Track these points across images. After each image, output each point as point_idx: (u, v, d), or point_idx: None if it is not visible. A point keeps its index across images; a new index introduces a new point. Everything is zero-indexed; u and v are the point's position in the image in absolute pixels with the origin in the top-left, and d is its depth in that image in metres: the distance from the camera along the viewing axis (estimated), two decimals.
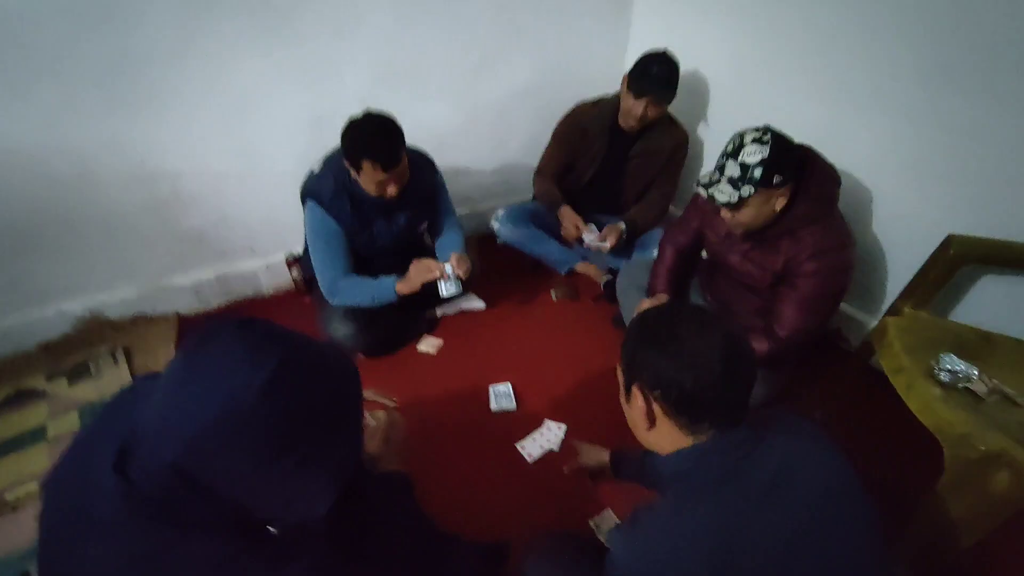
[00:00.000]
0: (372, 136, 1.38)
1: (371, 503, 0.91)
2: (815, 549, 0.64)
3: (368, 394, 1.09)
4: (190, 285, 1.87)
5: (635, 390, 0.77)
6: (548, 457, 1.43)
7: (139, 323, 1.82)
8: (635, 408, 0.77)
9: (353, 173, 1.46)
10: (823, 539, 0.65)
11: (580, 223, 1.90)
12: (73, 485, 0.61)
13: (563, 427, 1.49)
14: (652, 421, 0.76)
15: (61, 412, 1.50)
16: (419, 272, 1.58)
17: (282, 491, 0.56)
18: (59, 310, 1.71)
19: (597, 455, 1.32)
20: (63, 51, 1.36)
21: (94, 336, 1.74)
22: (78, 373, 1.62)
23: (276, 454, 0.53)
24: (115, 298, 1.78)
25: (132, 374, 1.64)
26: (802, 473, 0.70)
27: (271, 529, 0.62)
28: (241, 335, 0.56)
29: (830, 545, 0.66)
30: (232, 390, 0.52)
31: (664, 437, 0.76)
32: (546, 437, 1.47)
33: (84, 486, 0.59)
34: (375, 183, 1.43)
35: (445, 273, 1.59)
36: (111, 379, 1.61)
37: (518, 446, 1.45)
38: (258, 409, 0.52)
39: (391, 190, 1.46)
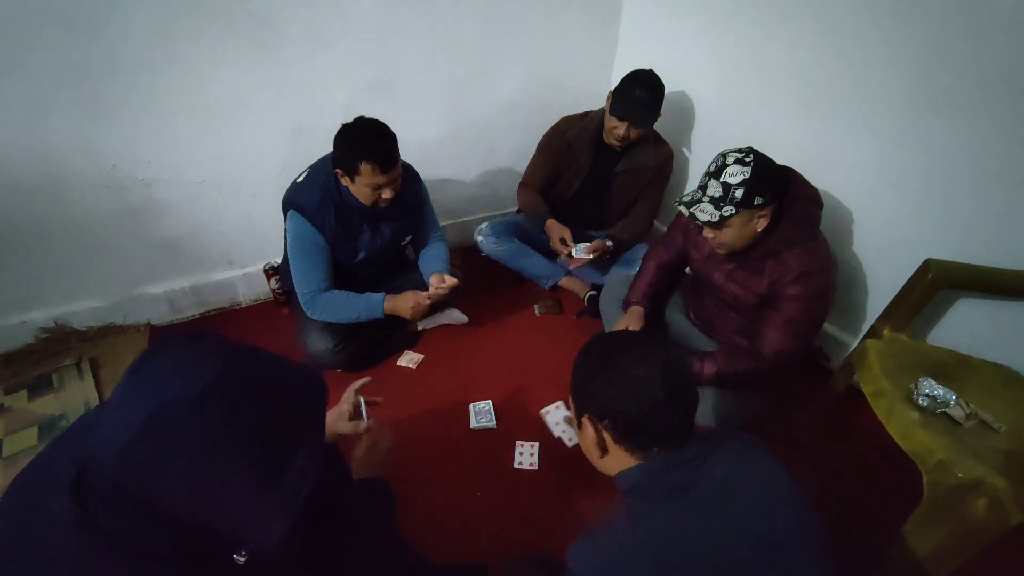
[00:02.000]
0: (370, 138, 1.37)
1: (348, 518, 0.88)
2: (763, 556, 0.67)
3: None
4: (163, 294, 1.82)
5: (585, 420, 0.80)
6: (528, 476, 1.40)
7: (108, 333, 1.76)
8: (587, 437, 0.81)
9: (345, 181, 1.43)
10: (770, 546, 0.68)
11: (568, 238, 1.84)
12: (26, 511, 0.57)
13: (535, 445, 1.47)
14: (604, 449, 0.80)
15: (19, 427, 1.43)
16: (415, 310, 1.58)
17: (228, 513, 0.52)
18: (22, 320, 1.64)
19: None
20: (34, 51, 1.32)
21: (59, 347, 1.67)
22: (39, 386, 1.56)
23: (213, 471, 0.50)
24: (83, 307, 1.72)
25: (98, 387, 1.57)
26: (746, 485, 0.74)
27: (238, 558, 0.59)
28: (186, 348, 0.54)
29: (777, 551, 0.68)
30: (163, 401, 0.50)
31: (616, 462, 0.80)
32: (525, 456, 1.45)
33: (37, 513, 0.55)
34: (371, 188, 1.40)
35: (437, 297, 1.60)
36: (75, 392, 1.54)
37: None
38: (190, 419, 0.49)
39: (386, 195, 1.43)
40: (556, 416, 1.54)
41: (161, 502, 0.50)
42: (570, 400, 0.86)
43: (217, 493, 0.51)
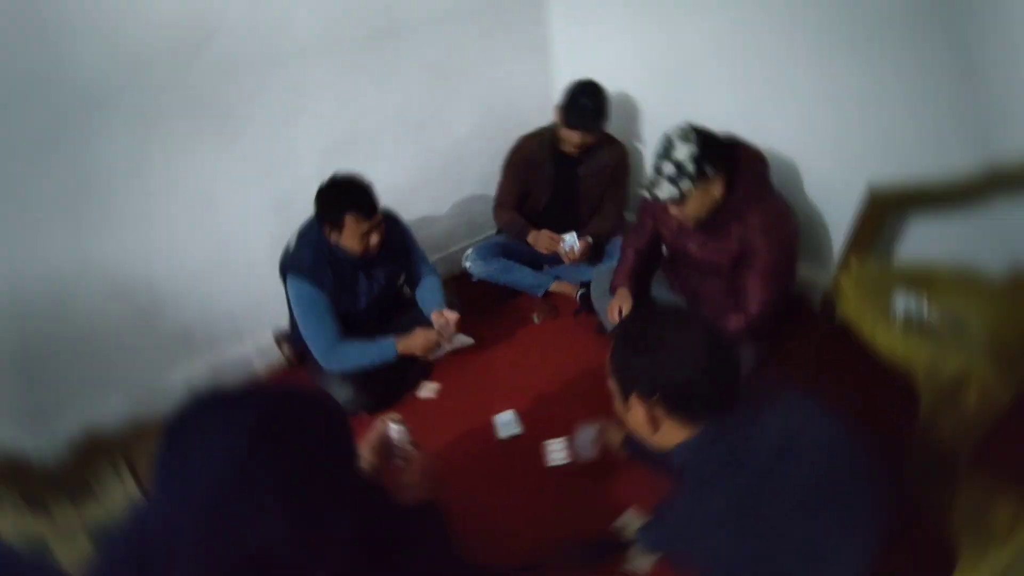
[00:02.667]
0: (348, 190, 1.48)
1: (406, 540, 0.93)
2: (828, 504, 0.71)
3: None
4: (182, 381, 1.88)
5: (633, 399, 0.80)
6: (562, 471, 1.47)
7: (136, 430, 1.81)
8: (636, 415, 0.81)
9: (333, 236, 1.51)
10: (833, 493, 0.71)
11: (555, 235, 2.00)
12: None
13: (563, 440, 1.52)
14: (656, 425, 0.80)
15: (69, 537, 1.47)
16: (425, 347, 1.66)
17: (301, 528, 0.57)
18: (52, 431, 1.69)
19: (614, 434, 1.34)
20: (23, 179, 1.39)
21: (91, 451, 1.72)
22: (80, 494, 1.59)
23: (287, 495, 0.55)
24: (108, 408, 1.77)
25: (139, 484, 1.62)
26: (801, 439, 0.76)
27: None
28: (209, 404, 0.59)
29: (841, 497, 0.72)
30: (220, 448, 0.54)
31: (668, 435, 0.81)
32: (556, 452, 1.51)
33: None
34: (358, 236, 1.49)
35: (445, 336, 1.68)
36: (116, 494, 1.59)
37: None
38: (253, 457, 0.54)
39: (374, 240, 1.52)
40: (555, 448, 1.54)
41: (254, 535, 0.55)
42: (611, 382, 0.85)
43: (296, 515, 0.56)
